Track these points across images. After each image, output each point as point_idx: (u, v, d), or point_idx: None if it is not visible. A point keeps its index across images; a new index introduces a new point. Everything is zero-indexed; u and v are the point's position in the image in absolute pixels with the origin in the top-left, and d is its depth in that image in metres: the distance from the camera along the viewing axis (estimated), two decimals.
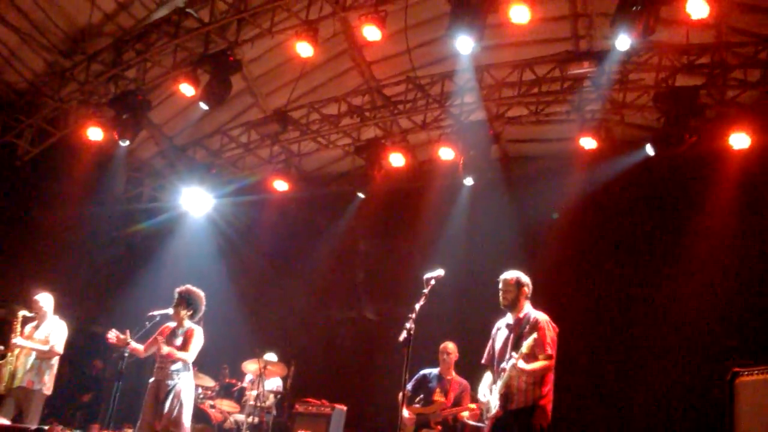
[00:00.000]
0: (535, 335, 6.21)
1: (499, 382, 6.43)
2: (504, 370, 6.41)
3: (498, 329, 6.86)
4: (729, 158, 10.71)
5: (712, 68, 10.61)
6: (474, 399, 8.59)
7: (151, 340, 8.11)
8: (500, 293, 6.69)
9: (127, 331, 7.97)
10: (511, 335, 6.58)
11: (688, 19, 8.90)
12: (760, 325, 10.18)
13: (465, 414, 8.44)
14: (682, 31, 10.23)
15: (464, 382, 8.74)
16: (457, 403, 8.55)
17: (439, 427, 8.45)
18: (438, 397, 8.58)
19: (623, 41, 9.04)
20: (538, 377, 6.31)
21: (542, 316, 6.55)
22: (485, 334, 8.25)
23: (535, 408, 6.29)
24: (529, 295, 6.70)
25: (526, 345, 6.18)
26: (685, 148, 10.24)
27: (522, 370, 6.18)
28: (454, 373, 8.80)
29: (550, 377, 6.42)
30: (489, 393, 6.63)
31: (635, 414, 11.09)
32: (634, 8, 8.59)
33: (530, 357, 6.22)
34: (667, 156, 10.75)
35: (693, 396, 10.44)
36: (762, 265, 10.74)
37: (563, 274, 11.35)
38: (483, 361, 6.89)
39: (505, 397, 6.37)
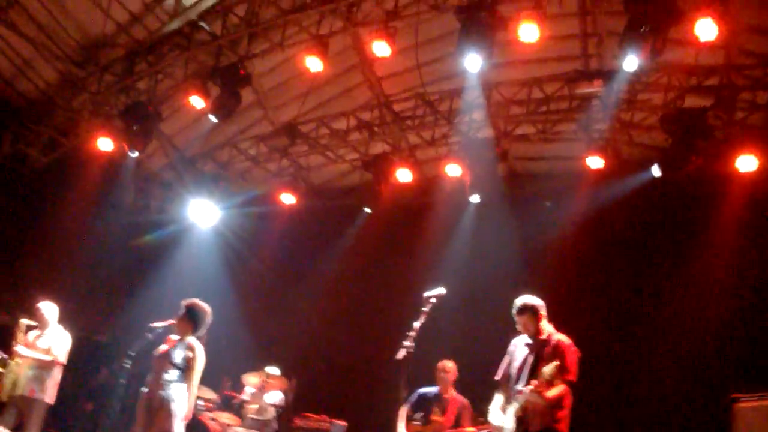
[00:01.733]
0: (557, 363, 6.14)
1: (515, 404, 6.36)
2: (520, 391, 6.35)
3: (516, 347, 6.81)
4: (736, 181, 10.65)
5: (721, 90, 10.60)
6: (474, 418, 8.56)
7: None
8: (518, 321, 6.64)
9: None
10: (530, 356, 6.54)
11: (696, 41, 8.89)
12: (762, 351, 10.11)
13: None
14: (691, 51, 10.24)
15: (464, 400, 8.69)
16: (457, 422, 8.50)
17: None
18: (436, 416, 8.52)
19: (631, 62, 9.03)
20: (555, 402, 6.26)
21: (565, 339, 6.49)
22: (487, 352, 8.24)
23: (552, 431, 6.26)
24: (545, 316, 6.66)
25: (548, 371, 6.05)
26: (692, 170, 10.22)
27: (543, 398, 6.11)
28: (453, 392, 8.76)
29: (568, 401, 6.37)
30: (502, 414, 6.56)
31: None
32: (643, 29, 8.56)
33: (549, 382, 6.16)
34: (673, 177, 10.70)
35: (692, 421, 10.36)
36: (765, 287, 10.67)
37: (566, 294, 11.26)
38: (496, 378, 6.84)
39: (521, 420, 6.30)
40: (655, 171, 10.78)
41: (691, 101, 10.74)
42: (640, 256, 12.21)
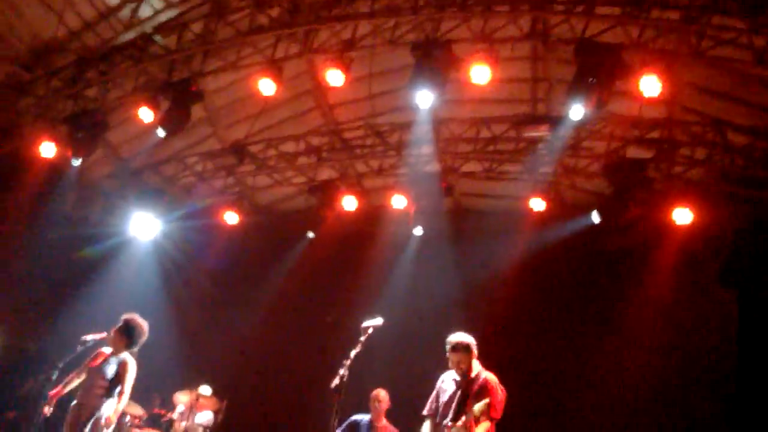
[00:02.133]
0: (487, 401, 6.24)
1: None
2: (448, 426, 6.43)
3: (443, 382, 6.88)
4: (671, 232, 10.98)
5: (662, 143, 10.96)
6: None
7: (81, 367, 8.01)
8: (451, 361, 6.71)
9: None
10: (458, 392, 6.62)
11: (641, 95, 9.19)
12: (692, 401, 10.37)
13: None
14: (635, 104, 10.58)
15: (395, 430, 8.72)
16: None
17: None
18: None
19: (578, 110, 9.28)
20: None
21: (492, 378, 6.60)
22: (420, 384, 8.29)
23: None
24: (476, 355, 6.75)
25: (477, 409, 6.17)
26: (630, 218, 10.51)
27: None
28: (385, 421, 8.78)
29: None
30: None
31: None
32: (591, 80, 8.83)
33: (476, 420, 6.24)
34: (612, 224, 10.98)
35: None
36: (696, 339, 10.97)
37: (503, 331, 11.45)
38: (424, 412, 6.90)
39: None
40: (595, 217, 11.05)
41: (632, 152, 11.08)
42: (575, 300, 12.46)
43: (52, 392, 7.92)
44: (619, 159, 11.00)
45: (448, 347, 6.74)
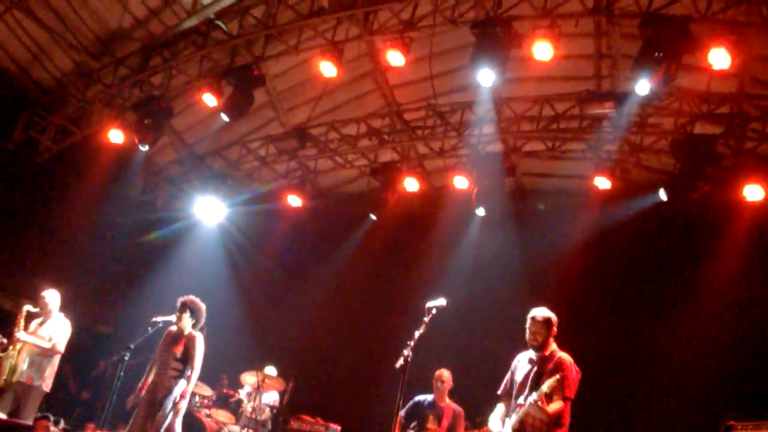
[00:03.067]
0: (558, 376, 6.18)
1: (514, 416, 6.39)
2: (520, 405, 6.39)
3: (518, 362, 6.84)
4: (742, 209, 10.69)
5: (732, 118, 10.63)
6: (467, 427, 8.59)
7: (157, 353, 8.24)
8: (528, 331, 6.63)
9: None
10: (533, 371, 6.57)
11: (710, 68, 8.94)
12: (760, 379, 10.12)
13: None
14: (704, 78, 10.30)
15: (458, 409, 8.72)
16: (451, 430, 8.53)
17: None
18: (431, 424, 8.54)
19: (644, 85, 9.09)
20: (554, 417, 6.30)
21: (567, 358, 6.52)
22: (484, 365, 8.29)
23: None
24: (555, 333, 6.70)
25: (547, 385, 6.12)
26: (698, 196, 10.25)
27: (542, 410, 6.14)
28: (448, 400, 8.79)
29: (567, 420, 6.39)
30: (501, 425, 6.61)
31: None
32: (657, 54, 8.61)
33: (548, 397, 6.20)
34: (680, 202, 10.75)
35: None
36: (765, 317, 10.69)
37: (567, 312, 11.27)
38: (498, 392, 6.87)
39: None
40: (662, 195, 10.81)
41: (701, 128, 10.79)
42: (642, 279, 12.23)
43: (141, 385, 8.16)
44: (687, 135, 10.73)
45: (528, 319, 6.68)
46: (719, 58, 8.51)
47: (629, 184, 12.34)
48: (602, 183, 11.61)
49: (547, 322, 6.60)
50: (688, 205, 10.82)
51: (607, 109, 10.82)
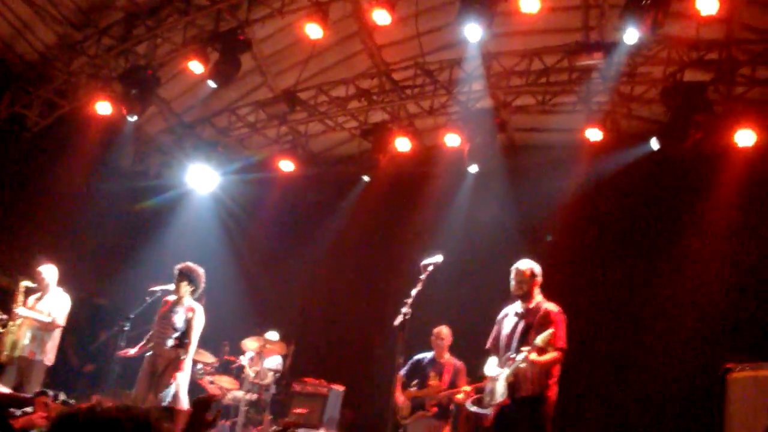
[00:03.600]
0: (551, 330, 6.27)
1: (506, 370, 6.49)
2: (511, 358, 6.47)
3: (505, 315, 6.91)
4: (734, 155, 10.70)
5: (721, 64, 10.60)
6: (469, 381, 8.69)
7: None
8: (513, 282, 6.72)
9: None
10: (521, 324, 6.64)
11: (698, 14, 8.89)
12: (757, 322, 10.23)
13: (460, 396, 8.53)
14: (692, 25, 10.22)
15: (459, 363, 8.82)
16: (453, 385, 8.63)
17: (435, 409, 8.53)
18: (433, 380, 8.65)
19: (632, 34, 9.04)
20: (547, 368, 6.39)
21: (554, 308, 6.60)
22: (482, 320, 8.32)
23: (543, 397, 6.39)
24: (540, 284, 6.75)
25: (541, 339, 6.22)
26: (690, 144, 10.26)
27: (535, 363, 6.23)
28: (447, 355, 8.88)
29: (558, 368, 6.51)
30: (494, 379, 6.69)
31: (631, 404, 11.17)
32: (644, 1, 8.57)
33: (542, 349, 6.28)
34: (672, 151, 10.75)
35: (686, 392, 10.50)
36: (761, 262, 10.76)
37: (563, 265, 11.35)
38: (487, 347, 6.96)
39: (513, 385, 6.44)
40: (654, 144, 10.82)
41: (691, 75, 10.75)
42: (637, 229, 12.28)
43: (135, 350, 8.23)
44: (677, 83, 10.69)
45: (512, 270, 6.74)
46: (707, 3, 8.48)
47: (621, 135, 12.33)
48: (594, 135, 11.60)
49: (531, 273, 6.69)
50: (681, 154, 10.81)
51: (596, 60, 10.73)
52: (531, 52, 11.78)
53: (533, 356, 6.21)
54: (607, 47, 10.52)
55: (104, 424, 1.52)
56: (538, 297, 6.73)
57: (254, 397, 11.17)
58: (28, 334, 8.87)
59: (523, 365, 6.28)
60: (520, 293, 6.69)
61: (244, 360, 11.86)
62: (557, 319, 6.49)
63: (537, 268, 6.76)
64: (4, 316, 8.86)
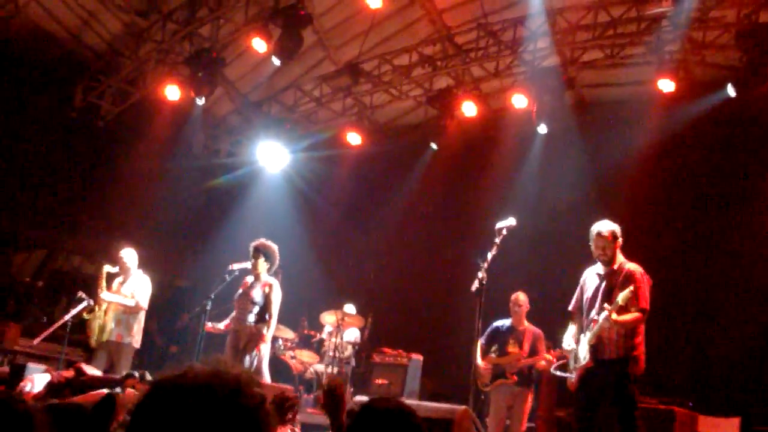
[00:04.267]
0: (631, 288, 6.14)
1: (589, 333, 6.40)
2: (594, 320, 6.37)
3: (587, 277, 6.79)
4: None
5: None
6: (549, 347, 8.59)
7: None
8: (595, 247, 6.56)
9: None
10: (603, 285, 6.52)
11: None
12: None
13: (542, 363, 8.44)
14: None
15: (537, 330, 8.70)
16: (533, 352, 8.52)
17: (515, 377, 8.45)
18: (512, 347, 8.55)
19: None
20: (630, 329, 6.26)
21: (637, 268, 6.46)
22: (558, 284, 8.21)
23: (628, 359, 6.28)
24: (620, 244, 6.60)
25: (621, 297, 6.11)
26: None
27: (616, 322, 6.12)
28: (526, 323, 8.77)
29: (642, 329, 6.39)
30: (575, 343, 6.61)
31: (713, 360, 10.91)
32: None
33: (623, 309, 6.17)
34: (750, 96, 10.33)
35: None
36: None
37: (641, 222, 11.08)
38: (570, 308, 6.86)
39: (596, 347, 6.36)
40: (730, 91, 10.41)
41: (766, 16, 10.27)
42: (716, 180, 11.88)
43: (224, 326, 8.44)
44: (752, 25, 10.21)
45: (592, 235, 6.57)
46: None
47: (694, 84, 11.89)
48: (666, 86, 11.19)
49: (613, 234, 6.52)
50: (759, 98, 10.37)
51: (665, 7, 10.37)
52: (597, 4, 11.44)
53: (614, 316, 6.08)
54: None
55: (195, 390, 1.53)
56: (620, 258, 6.57)
57: (335, 370, 11.31)
58: (114, 318, 9.11)
59: (606, 324, 6.16)
60: (604, 259, 6.53)
61: (323, 334, 12.00)
62: (640, 279, 6.34)
63: (617, 230, 6.57)
64: (91, 302, 9.10)
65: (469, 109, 12.69)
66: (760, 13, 10.29)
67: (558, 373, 7.40)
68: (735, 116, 11.21)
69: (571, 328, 6.78)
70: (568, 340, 6.73)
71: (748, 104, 10.75)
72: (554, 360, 8.13)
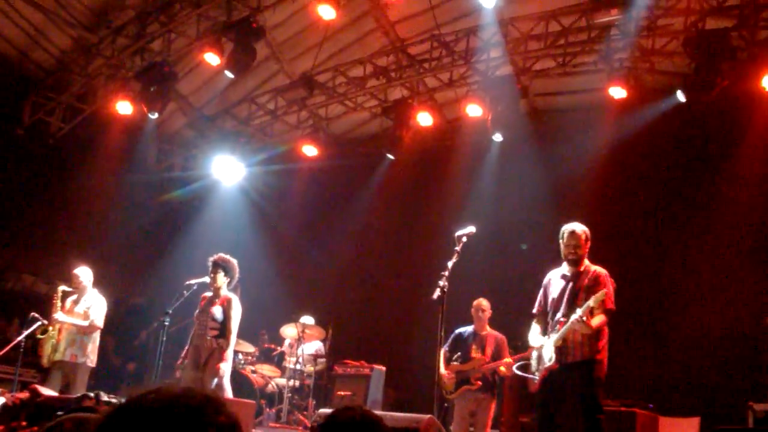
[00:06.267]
0: (605, 290, 6.19)
1: (554, 335, 6.40)
2: (561, 322, 6.38)
3: (551, 279, 6.81)
4: (762, 100, 10.48)
5: (743, 9, 10.35)
6: (511, 352, 8.64)
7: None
8: (567, 246, 6.58)
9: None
10: (569, 287, 6.54)
11: None
12: None
13: (502, 369, 8.49)
14: None
15: (500, 335, 8.75)
16: (496, 357, 8.57)
17: (479, 383, 8.49)
18: (475, 353, 8.59)
19: None
20: (595, 331, 6.30)
21: (603, 271, 6.51)
22: (518, 289, 8.26)
23: (593, 362, 6.30)
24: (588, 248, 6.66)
25: (595, 299, 6.13)
26: (717, 93, 10.04)
27: (587, 326, 6.13)
28: (488, 328, 8.82)
29: (606, 331, 6.43)
30: (540, 346, 6.61)
31: (672, 362, 11.06)
32: None
33: (592, 312, 6.21)
34: (699, 101, 10.53)
35: (725, 345, 10.42)
36: None
37: (595, 228, 11.21)
38: (534, 311, 6.86)
39: (561, 350, 6.36)
40: (680, 96, 10.61)
41: (712, 23, 10.49)
42: (669, 184, 12.10)
43: (184, 353, 8.32)
44: (699, 32, 10.43)
45: (564, 234, 6.61)
46: None
47: (645, 90, 12.10)
48: (617, 93, 11.36)
49: (586, 235, 6.59)
50: (708, 104, 10.59)
51: (614, 16, 10.55)
52: (547, 13, 11.59)
53: (585, 319, 6.09)
54: (624, 2, 10.32)
55: (162, 411, 1.48)
56: (586, 260, 6.64)
57: (297, 383, 11.22)
58: (68, 338, 8.94)
59: (577, 326, 6.15)
60: (574, 258, 6.56)
61: (284, 347, 11.91)
62: (607, 281, 6.40)
63: (588, 232, 6.65)
64: (45, 322, 8.92)
65: (424, 119, 12.75)
66: (706, 20, 10.51)
67: (520, 373, 7.40)
68: (686, 122, 11.42)
69: (536, 328, 6.79)
70: (536, 338, 6.73)
71: (698, 110, 10.96)
72: (515, 363, 8.14)
